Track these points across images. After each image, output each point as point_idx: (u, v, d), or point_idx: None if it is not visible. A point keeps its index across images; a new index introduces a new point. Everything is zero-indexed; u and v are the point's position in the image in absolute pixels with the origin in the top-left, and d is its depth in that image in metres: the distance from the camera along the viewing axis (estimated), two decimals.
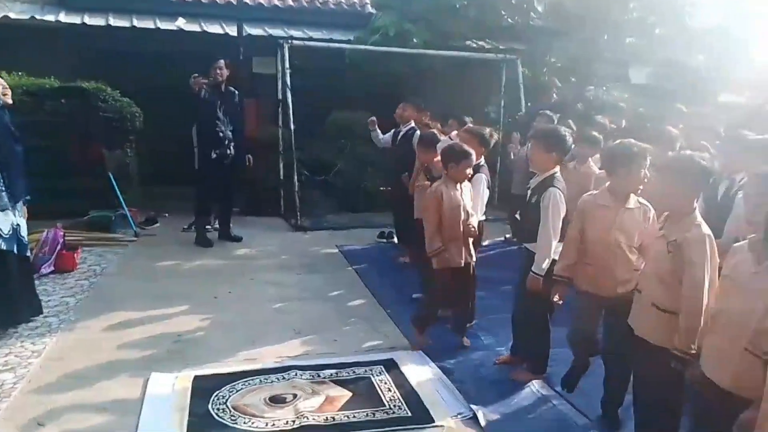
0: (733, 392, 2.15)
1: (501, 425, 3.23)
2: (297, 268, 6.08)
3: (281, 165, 8.29)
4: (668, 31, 11.56)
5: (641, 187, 3.09)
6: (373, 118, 6.74)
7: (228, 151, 6.58)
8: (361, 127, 7.54)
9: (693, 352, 2.41)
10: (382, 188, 8.36)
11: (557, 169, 3.74)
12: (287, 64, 8.08)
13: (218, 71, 6.48)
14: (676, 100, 8.90)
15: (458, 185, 4.14)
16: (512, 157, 7.63)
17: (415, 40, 9.01)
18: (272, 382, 3.59)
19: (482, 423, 3.22)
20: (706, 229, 2.54)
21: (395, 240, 6.98)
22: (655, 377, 2.68)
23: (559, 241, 3.59)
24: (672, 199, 2.64)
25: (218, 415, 3.21)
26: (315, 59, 8.77)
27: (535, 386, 3.68)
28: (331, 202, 8.58)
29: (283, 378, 3.64)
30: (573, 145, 4.11)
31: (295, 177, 8.02)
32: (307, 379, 3.64)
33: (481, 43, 10.55)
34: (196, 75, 6.42)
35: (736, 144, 3.70)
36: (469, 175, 4.24)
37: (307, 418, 3.18)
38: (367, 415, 3.28)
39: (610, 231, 3.10)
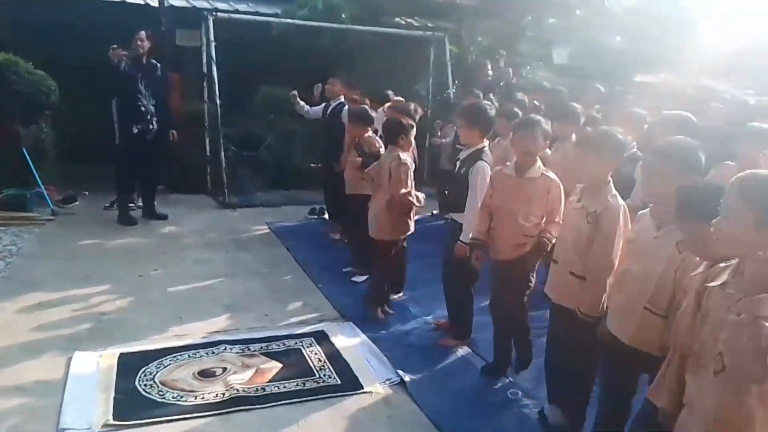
0: (634, 347, 2.34)
1: (427, 388, 3.37)
2: (225, 245, 6.02)
3: (207, 141, 8.10)
4: (588, 12, 12.00)
5: (538, 157, 3.29)
6: (294, 92, 6.72)
7: (150, 126, 6.38)
8: (290, 102, 7.46)
9: (597, 315, 2.59)
10: (312, 165, 8.33)
11: (486, 143, 3.88)
12: (212, 37, 7.86)
13: (139, 43, 6.25)
14: (595, 80, 9.28)
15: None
16: (440, 134, 7.76)
17: (343, 15, 8.95)
18: (201, 356, 3.58)
19: (410, 388, 3.35)
20: (621, 201, 2.72)
21: (326, 216, 7.00)
22: (571, 340, 2.87)
23: None
24: (589, 173, 2.79)
25: (146, 391, 3.18)
26: (242, 33, 8.57)
27: (460, 352, 3.85)
28: (260, 179, 8.45)
29: (213, 353, 3.64)
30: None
31: (222, 153, 7.87)
32: (236, 352, 3.65)
33: (410, 20, 10.62)
34: (115, 47, 6.16)
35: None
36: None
37: (238, 390, 3.21)
38: (297, 384, 3.34)
39: (509, 199, 3.29)
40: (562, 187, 3.29)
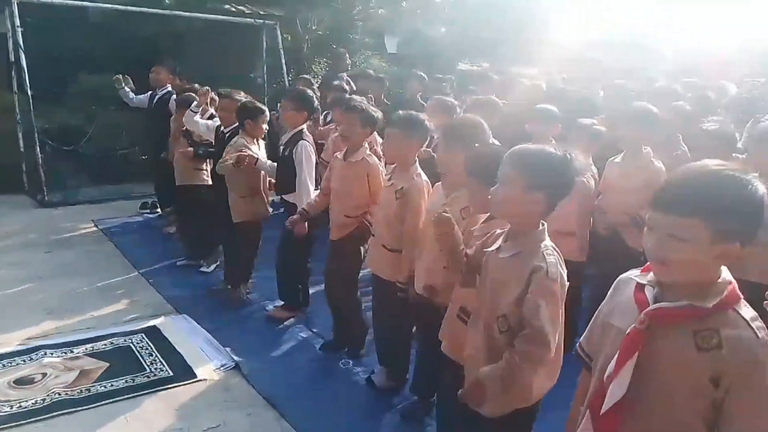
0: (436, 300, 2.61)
1: (263, 369, 3.46)
2: (46, 246, 5.60)
3: (20, 135, 7.40)
4: (413, 4, 12.63)
5: (362, 142, 3.51)
6: (118, 76, 6.41)
7: None
8: (112, 90, 7.05)
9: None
10: (144, 156, 7.94)
11: (305, 126, 4.08)
12: (17, 22, 7.17)
13: None
14: (420, 68, 9.82)
15: (256, 140, 4.29)
16: (279, 121, 7.76)
17: (167, 1, 8.59)
18: (17, 364, 3.36)
19: (244, 370, 3.42)
20: (425, 178, 3.00)
21: (159, 210, 6.75)
22: (389, 307, 3.12)
23: (316, 189, 3.92)
24: (398, 153, 3.06)
25: None
26: (55, 18, 7.92)
27: (301, 334, 3.96)
28: (84, 174, 7.90)
29: (30, 359, 3.43)
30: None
31: (38, 148, 7.24)
32: (58, 357, 3.47)
33: (240, 7, 10.45)
34: None
35: None
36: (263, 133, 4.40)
37: (60, 395, 3.07)
38: (126, 381, 3.26)
39: (336, 181, 3.51)
40: (382, 169, 3.52)
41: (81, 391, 3.13)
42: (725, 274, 1.36)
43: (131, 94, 6.40)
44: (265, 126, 4.37)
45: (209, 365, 3.46)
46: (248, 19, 9.48)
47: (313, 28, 11.66)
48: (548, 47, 11.10)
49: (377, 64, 12.03)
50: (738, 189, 1.30)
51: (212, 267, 5.02)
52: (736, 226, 1.30)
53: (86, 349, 3.59)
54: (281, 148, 4.21)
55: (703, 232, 1.29)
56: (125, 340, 3.72)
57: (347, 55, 9.06)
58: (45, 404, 2.99)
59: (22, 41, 7.15)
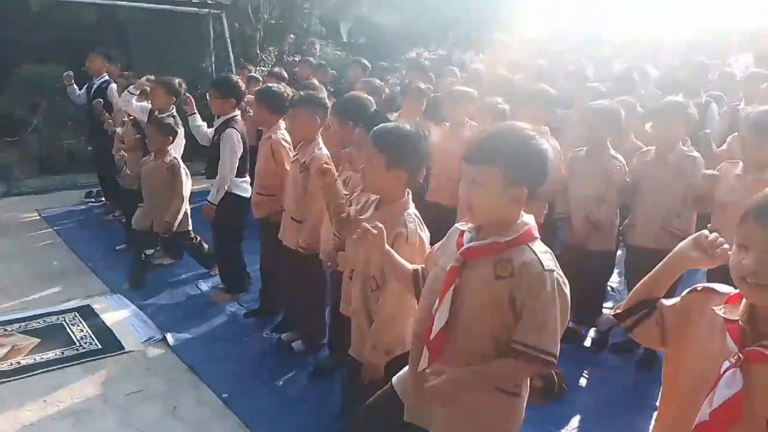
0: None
1: (187, 339, 3.69)
2: None
3: None
4: None
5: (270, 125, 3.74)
6: (70, 72, 6.42)
7: None
8: (55, 81, 7.09)
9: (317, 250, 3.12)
10: (90, 148, 7.99)
11: (236, 112, 4.25)
12: None
13: None
14: (367, 56, 10.03)
15: None
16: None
17: None
18: None
19: (170, 341, 3.63)
20: (325, 151, 3.24)
21: (103, 199, 6.85)
22: (299, 276, 3.37)
23: (237, 177, 4.11)
24: (302, 130, 3.31)
25: None
26: None
27: (230, 308, 4.17)
28: (28, 165, 7.93)
29: None
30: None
31: None
32: None
33: None
34: None
35: None
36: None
37: None
38: (56, 354, 3.45)
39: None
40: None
41: (11, 363, 3.32)
42: (526, 218, 1.68)
43: (77, 91, 6.38)
44: None
45: (137, 339, 3.67)
46: (192, 8, 9.52)
47: (266, 16, 11.74)
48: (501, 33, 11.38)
49: (330, 53, 12.18)
50: (525, 141, 1.63)
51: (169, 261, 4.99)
52: (523, 173, 1.61)
53: (19, 327, 3.76)
54: (211, 134, 4.41)
55: (497, 178, 1.60)
56: (58, 318, 3.90)
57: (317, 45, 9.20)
58: None
59: None
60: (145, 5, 8.83)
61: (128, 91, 4.97)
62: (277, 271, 3.80)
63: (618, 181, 3.33)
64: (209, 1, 10.23)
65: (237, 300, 4.28)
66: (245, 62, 8.72)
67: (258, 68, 9.01)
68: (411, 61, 8.96)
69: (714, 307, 1.37)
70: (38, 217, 6.39)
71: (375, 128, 2.20)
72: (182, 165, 4.44)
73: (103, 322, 3.87)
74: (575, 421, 3.01)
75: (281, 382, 3.24)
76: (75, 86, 6.42)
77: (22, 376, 3.22)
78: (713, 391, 1.29)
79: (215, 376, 3.27)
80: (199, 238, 4.62)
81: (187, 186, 4.42)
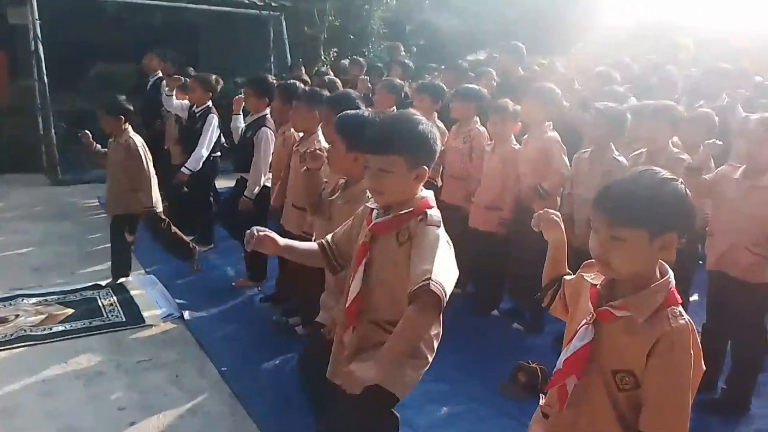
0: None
1: (203, 318, 3.97)
2: (48, 217, 6.24)
3: (40, 119, 8.12)
4: None
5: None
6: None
7: None
8: (124, 78, 7.67)
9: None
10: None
11: (267, 111, 4.50)
12: (36, 15, 7.86)
13: None
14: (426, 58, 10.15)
15: None
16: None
17: None
18: None
19: (186, 318, 3.92)
20: (325, 144, 3.39)
21: None
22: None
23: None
24: (303, 123, 3.61)
25: None
26: (74, 10, 8.58)
27: (248, 291, 4.44)
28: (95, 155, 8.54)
29: (10, 304, 4.01)
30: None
31: (53, 130, 7.93)
32: (33, 303, 4.04)
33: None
34: None
35: None
36: None
37: (25, 330, 3.64)
38: (84, 324, 3.81)
39: None
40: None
41: (44, 329, 3.69)
42: (423, 193, 1.86)
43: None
44: None
45: (158, 314, 3.98)
46: (253, 11, 9.97)
47: (330, 18, 12.09)
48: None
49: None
50: (415, 126, 1.81)
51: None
52: (421, 154, 1.81)
53: (58, 298, 4.16)
54: (243, 129, 4.69)
55: (402, 164, 1.78)
56: (92, 293, 4.28)
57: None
58: (11, 338, 3.55)
59: (41, 33, 7.83)
60: (207, 8, 9.33)
61: (165, 93, 5.34)
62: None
63: None
64: (273, 3, 10.71)
65: (260, 286, 4.54)
66: (300, 63, 9.05)
67: (326, 67, 9.39)
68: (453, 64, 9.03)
69: (584, 274, 1.56)
70: (98, 203, 6.92)
71: (338, 115, 2.37)
72: (140, 144, 4.34)
73: (131, 297, 4.22)
74: None
75: (278, 361, 3.43)
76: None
77: (51, 340, 3.58)
78: (569, 343, 1.48)
79: (219, 351, 3.51)
80: (173, 227, 4.71)
81: (150, 165, 4.39)
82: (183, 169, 5.08)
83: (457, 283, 1.77)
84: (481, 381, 3.28)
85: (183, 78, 5.45)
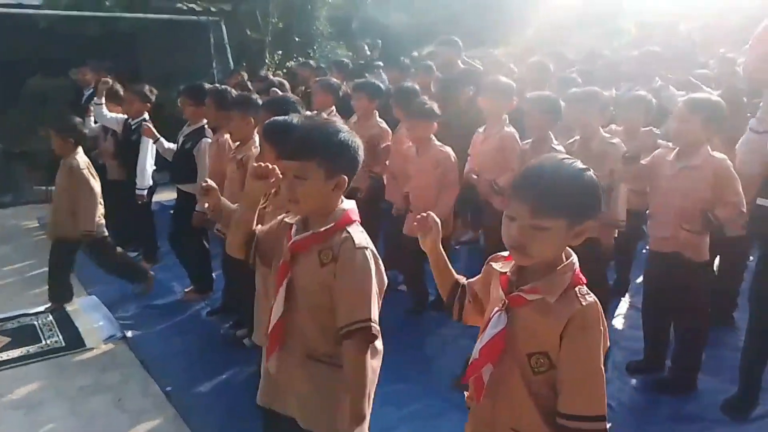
0: None
1: (146, 337, 3.84)
2: None
3: None
4: None
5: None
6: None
7: None
8: (61, 93, 7.39)
9: None
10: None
11: (205, 121, 4.38)
12: None
13: None
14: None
15: None
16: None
17: (108, 3, 8.90)
18: None
19: (129, 339, 3.79)
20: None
21: None
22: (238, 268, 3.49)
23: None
24: (237, 131, 3.54)
25: None
26: (3, 26, 8.25)
27: (194, 305, 4.32)
28: (37, 174, 8.25)
29: None
30: None
31: None
32: None
33: (191, 5, 10.73)
34: None
35: None
36: None
37: None
38: (21, 352, 3.64)
39: None
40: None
41: None
42: (345, 204, 1.75)
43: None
44: None
45: (100, 337, 3.84)
46: (191, 17, 9.75)
47: (273, 20, 11.93)
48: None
49: (343, 53, 12.31)
50: (334, 133, 1.71)
51: None
52: (339, 162, 1.70)
53: None
54: (181, 139, 4.55)
55: (318, 171, 1.67)
56: (31, 319, 4.10)
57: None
58: None
59: None
60: (143, 16, 9.09)
61: (95, 102, 5.15)
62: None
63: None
64: (212, 9, 10.50)
65: (207, 299, 4.42)
66: (242, 68, 8.90)
67: (270, 72, 9.24)
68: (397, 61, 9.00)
69: (492, 263, 1.55)
70: (38, 225, 6.67)
71: (266, 122, 2.30)
72: (85, 165, 4.12)
73: (71, 320, 4.06)
74: None
75: (225, 375, 3.35)
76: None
77: None
78: (483, 333, 1.48)
79: (163, 370, 3.40)
80: (119, 249, 4.51)
81: (96, 188, 4.16)
82: (137, 191, 4.83)
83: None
84: (437, 377, 3.27)
85: (110, 81, 5.24)
